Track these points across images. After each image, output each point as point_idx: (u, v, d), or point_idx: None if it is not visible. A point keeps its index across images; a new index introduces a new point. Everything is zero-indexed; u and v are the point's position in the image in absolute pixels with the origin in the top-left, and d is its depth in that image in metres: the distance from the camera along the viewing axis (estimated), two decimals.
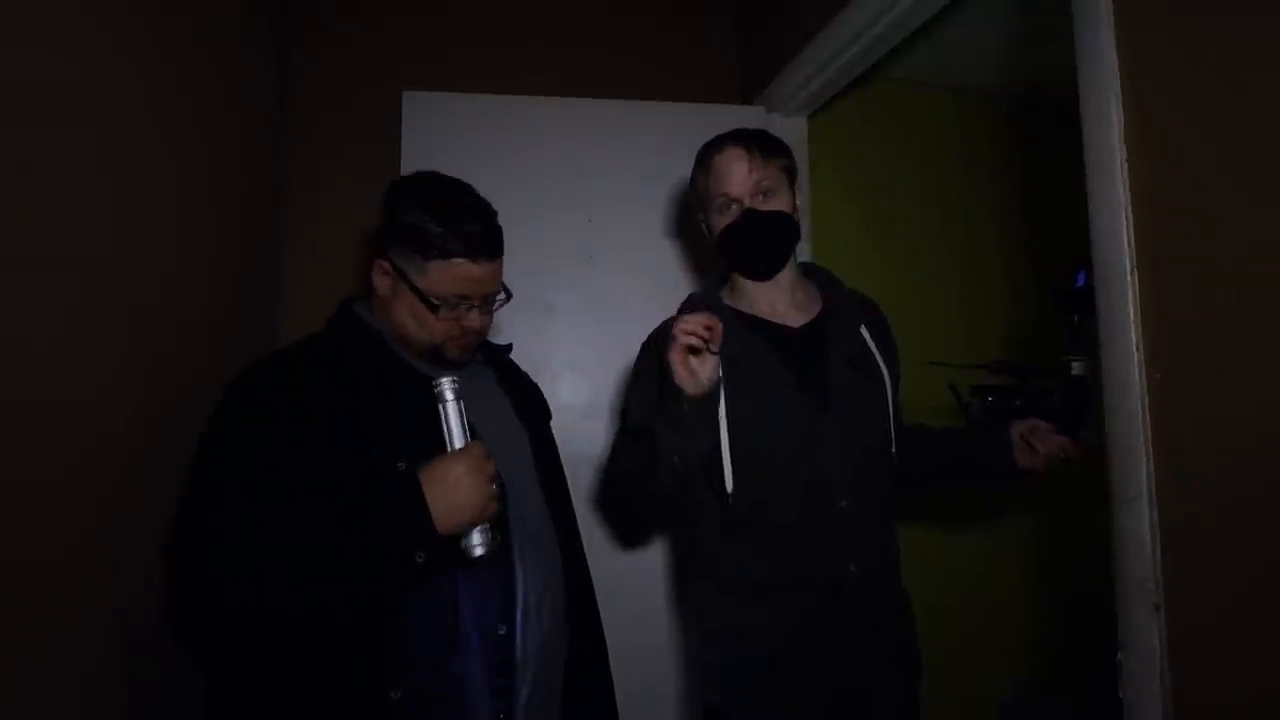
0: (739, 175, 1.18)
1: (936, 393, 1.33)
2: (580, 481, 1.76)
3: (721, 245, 1.23)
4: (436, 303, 1.03)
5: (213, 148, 1.42)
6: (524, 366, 1.33)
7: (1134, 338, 0.94)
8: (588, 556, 1.25)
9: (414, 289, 1.03)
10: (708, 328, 1.01)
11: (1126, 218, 0.95)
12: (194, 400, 1.03)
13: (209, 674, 1.20)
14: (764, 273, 1.23)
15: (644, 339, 1.29)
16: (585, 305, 1.91)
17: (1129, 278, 0.94)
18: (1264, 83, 0.81)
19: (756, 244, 1.20)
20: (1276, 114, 0.80)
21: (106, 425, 1.02)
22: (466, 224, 1.04)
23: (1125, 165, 0.95)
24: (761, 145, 1.20)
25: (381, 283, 1.07)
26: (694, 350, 1.03)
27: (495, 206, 1.85)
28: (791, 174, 1.23)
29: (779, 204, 1.19)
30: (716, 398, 1.10)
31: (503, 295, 1.11)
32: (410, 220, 1.03)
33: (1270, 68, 0.81)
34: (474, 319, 1.07)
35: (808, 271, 1.33)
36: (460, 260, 1.03)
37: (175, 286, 1.24)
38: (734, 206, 1.19)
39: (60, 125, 0.91)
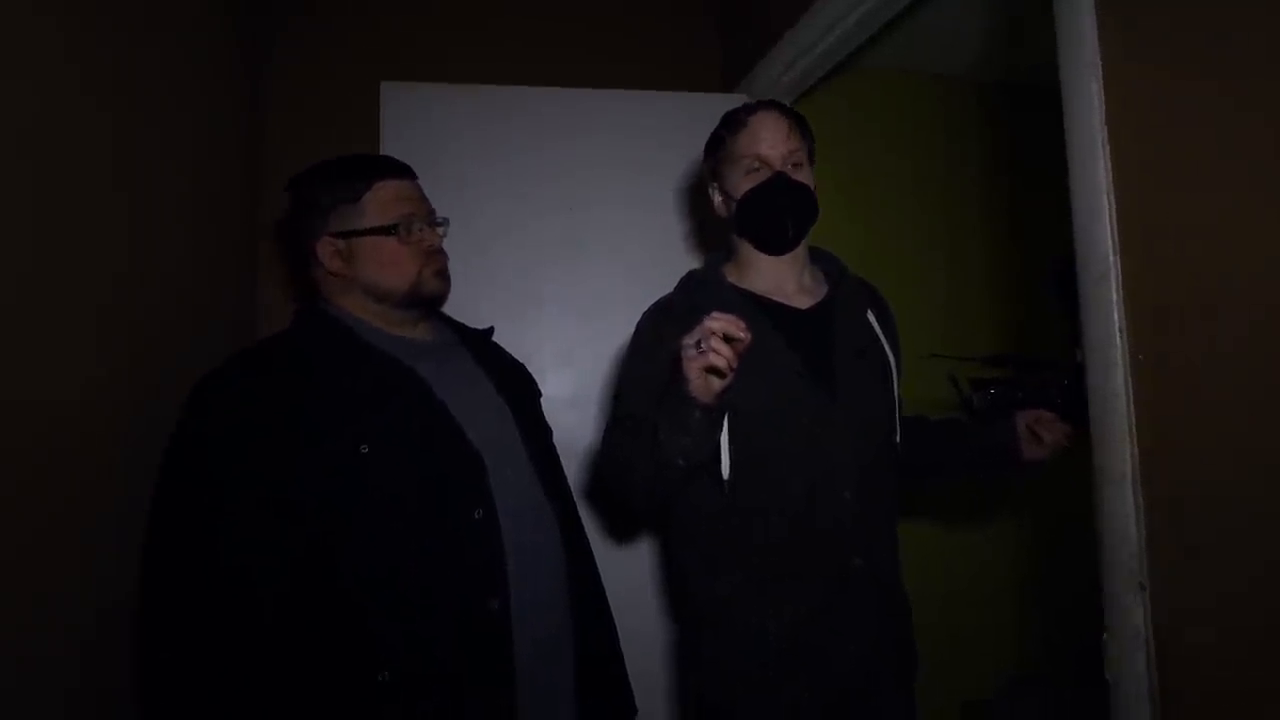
0: (778, 137, 1.14)
1: (931, 383, 1.32)
2: (567, 473, 1.75)
3: (741, 209, 1.16)
4: (393, 223, 1.07)
5: (189, 142, 1.39)
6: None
7: (1117, 319, 0.94)
8: None
9: (368, 231, 1.07)
10: (730, 337, 0.91)
11: (1109, 199, 0.94)
12: (169, 397, 1.03)
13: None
14: (783, 244, 1.17)
15: (627, 327, 1.25)
16: (570, 295, 1.89)
17: (1111, 259, 0.94)
18: (1248, 63, 0.81)
19: (783, 210, 1.14)
20: (1260, 95, 0.80)
21: (81, 423, 1.01)
22: (365, 158, 1.15)
23: (1107, 146, 0.95)
24: (798, 119, 1.18)
25: (333, 262, 1.08)
26: (718, 371, 0.94)
27: (478, 197, 1.85)
28: (813, 160, 1.20)
29: (805, 178, 1.16)
30: (727, 404, 1.03)
31: (441, 218, 1.15)
32: (325, 189, 1.08)
33: (1254, 48, 0.81)
34: (430, 235, 1.12)
35: (812, 254, 1.28)
36: (382, 181, 1.09)
37: (149, 281, 1.22)
38: (764, 170, 1.14)
39: (36, 124, 0.90)
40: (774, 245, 1.18)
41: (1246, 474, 0.82)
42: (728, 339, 0.91)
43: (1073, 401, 1.16)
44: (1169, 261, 0.90)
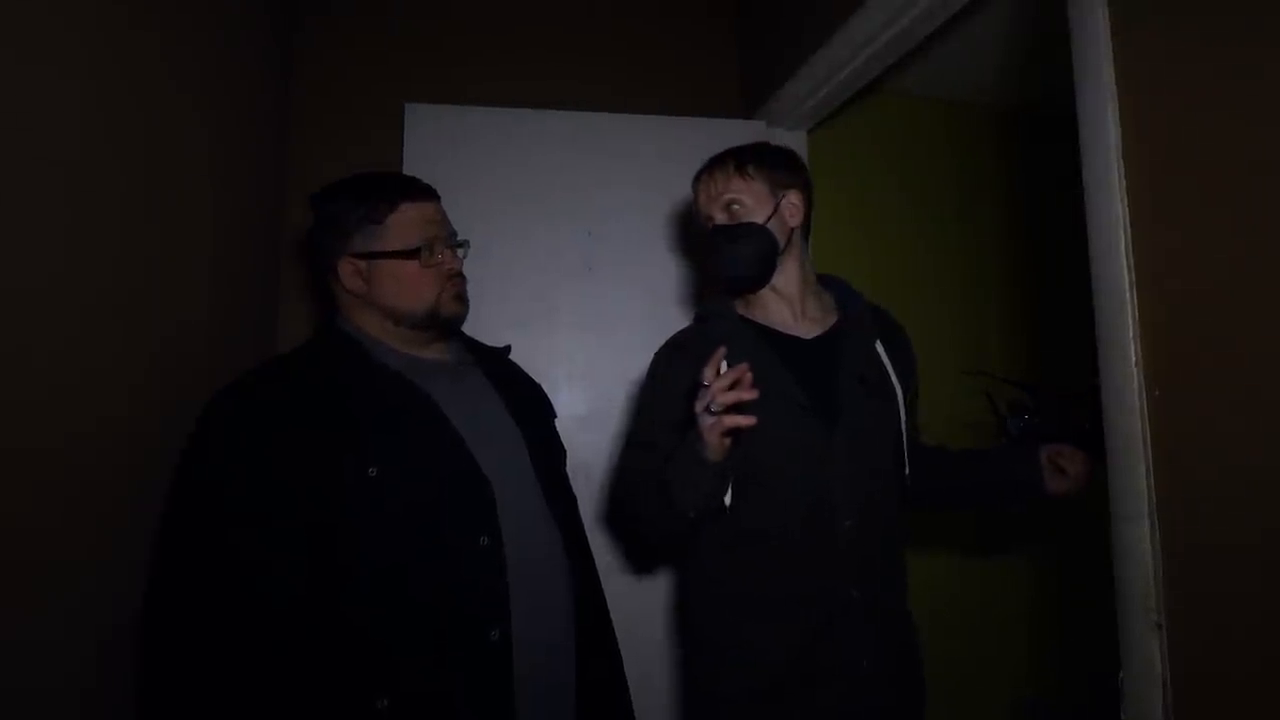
0: (713, 191, 1.21)
1: (963, 404, 1.30)
2: (580, 492, 1.75)
3: (705, 267, 1.22)
4: (416, 246, 1.08)
5: (216, 155, 1.43)
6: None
7: (1133, 354, 0.93)
8: None
9: (389, 254, 1.07)
10: (734, 380, 0.96)
11: (1125, 233, 0.94)
12: (190, 407, 1.05)
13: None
14: (739, 287, 1.22)
15: (642, 349, 1.28)
16: (586, 316, 1.90)
17: (1128, 294, 0.94)
18: (1265, 97, 0.81)
19: (723, 259, 1.19)
20: (1277, 128, 0.80)
21: (109, 423, 1.03)
22: (391, 178, 1.14)
23: (1123, 180, 0.95)
24: (737, 159, 1.20)
25: (354, 282, 1.08)
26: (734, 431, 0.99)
27: (496, 217, 1.87)
28: (780, 183, 1.20)
29: (752, 216, 1.18)
30: (734, 457, 1.06)
31: (462, 239, 1.16)
32: (349, 208, 1.08)
33: (1272, 81, 0.81)
34: (450, 259, 1.13)
35: (825, 283, 1.30)
36: (407, 204, 1.09)
37: (177, 289, 1.26)
38: (709, 225, 1.21)
39: (66, 130, 0.93)
40: (732, 290, 1.24)
41: (1265, 510, 0.81)
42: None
43: (1098, 436, 1.16)
44: (1186, 297, 0.89)
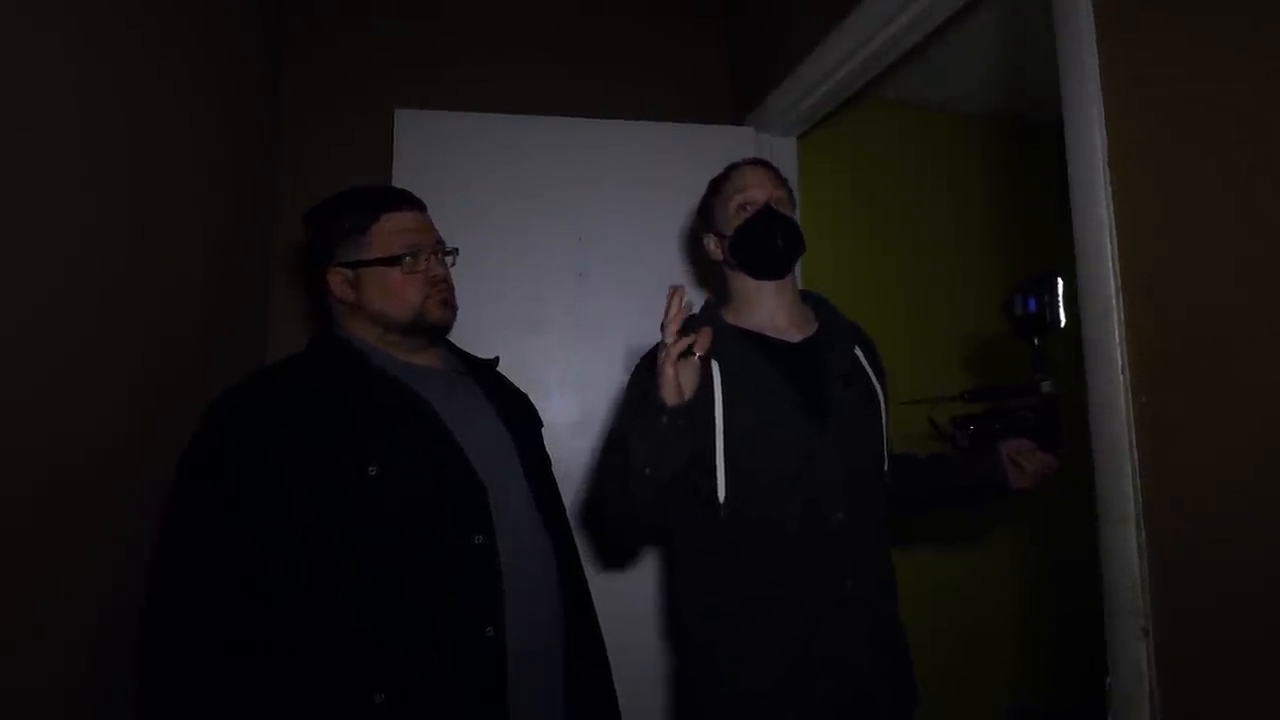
0: (763, 182, 1.25)
1: (919, 421, 1.33)
2: (569, 498, 1.75)
3: (736, 241, 1.24)
4: (398, 254, 1.10)
5: (213, 155, 1.44)
6: (514, 383, 1.32)
7: (1119, 360, 0.93)
8: None
9: (373, 262, 1.10)
10: (688, 331, 1.01)
11: (1111, 240, 0.95)
12: (185, 415, 1.06)
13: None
14: (777, 267, 1.24)
15: (634, 355, 1.29)
16: (576, 322, 1.90)
17: (1114, 300, 0.94)
18: (1250, 105, 0.82)
19: (774, 236, 1.22)
20: (1263, 136, 0.80)
21: (107, 424, 1.05)
22: (376, 190, 1.18)
23: (1110, 188, 0.96)
24: (777, 173, 1.29)
25: (343, 290, 1.12)
26: (684, 354, 1.02)
27: (486, 223, 1.87)
28: (794, 208, 1.29)
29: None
30: (691, 410, 1.06)
31: (450, 248, 1.18)
32: (336, 221, 1.12)
33: (1256, 90, 0.81)
34: (435, 266, 1.15)
35: (803, 296, 1.35)
36: (390, 214, 1.13)
37: (173, 290, 1.27)
38: (752, 208, 1.23)
39: (55, 130, 0.93)
40: (768, 265, 1.25)
41: (1252, 515, 0.81)
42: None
43: (1045, 429, 1.19)
44: (1172, 303, 0.90)
